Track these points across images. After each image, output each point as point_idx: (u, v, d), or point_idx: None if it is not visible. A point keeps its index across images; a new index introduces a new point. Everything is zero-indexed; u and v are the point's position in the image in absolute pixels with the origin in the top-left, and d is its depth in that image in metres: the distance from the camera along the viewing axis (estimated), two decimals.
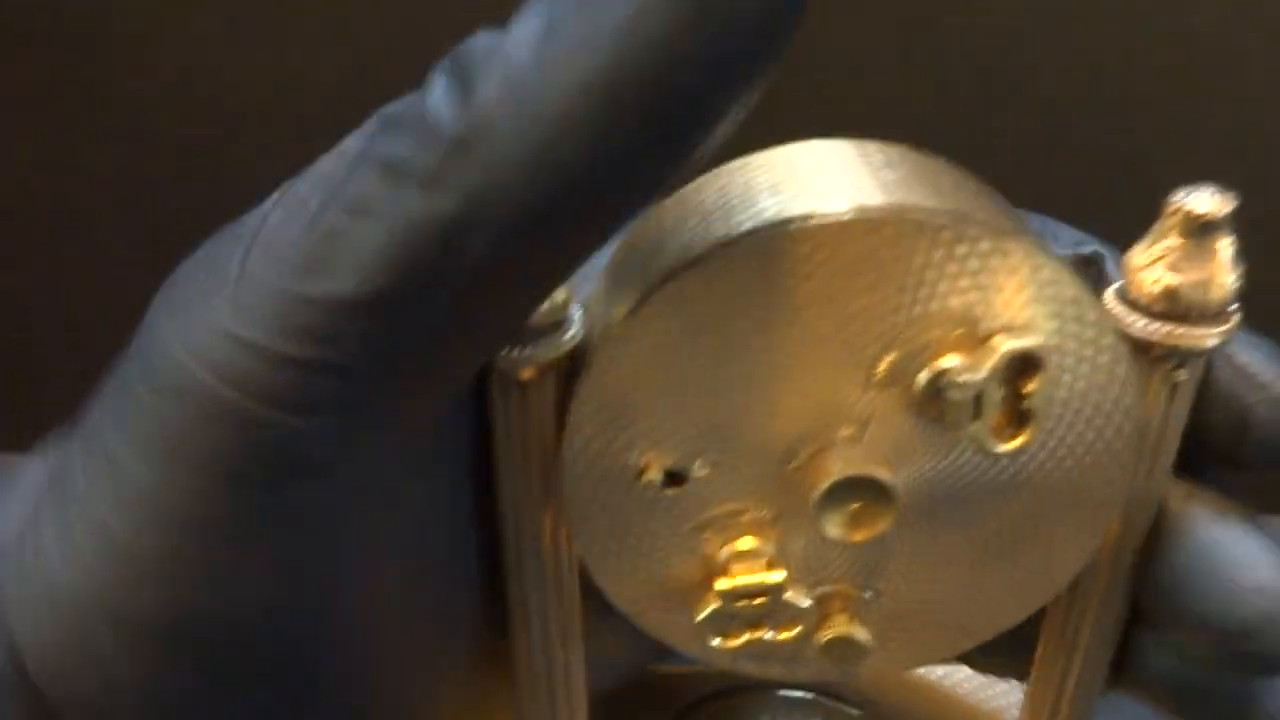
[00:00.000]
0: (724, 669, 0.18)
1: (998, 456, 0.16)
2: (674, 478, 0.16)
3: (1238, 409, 0.16)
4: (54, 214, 0.50)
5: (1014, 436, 0.15)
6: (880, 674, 0.24)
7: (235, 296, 0.14)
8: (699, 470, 0.16)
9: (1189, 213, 0.15)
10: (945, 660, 0.19)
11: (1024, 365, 0.15)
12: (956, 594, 0.17)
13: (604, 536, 0.17)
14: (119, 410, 0.15)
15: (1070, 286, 0.15)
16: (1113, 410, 0.16)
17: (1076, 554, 0.17)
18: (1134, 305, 0.15)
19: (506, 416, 0.16)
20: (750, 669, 0.18)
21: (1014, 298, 0.15)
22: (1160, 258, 0.15)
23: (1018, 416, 0.15)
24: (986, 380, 0.15)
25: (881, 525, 0.16)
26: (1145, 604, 0.18)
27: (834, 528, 0.16)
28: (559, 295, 0.15)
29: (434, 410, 0.15)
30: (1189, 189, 0.15)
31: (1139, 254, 0.15)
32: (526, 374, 0.15)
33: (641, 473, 0.16)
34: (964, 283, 0.15)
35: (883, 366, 0.15)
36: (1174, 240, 0.15)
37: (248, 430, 0.14)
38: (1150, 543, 0.17)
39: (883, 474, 0.16)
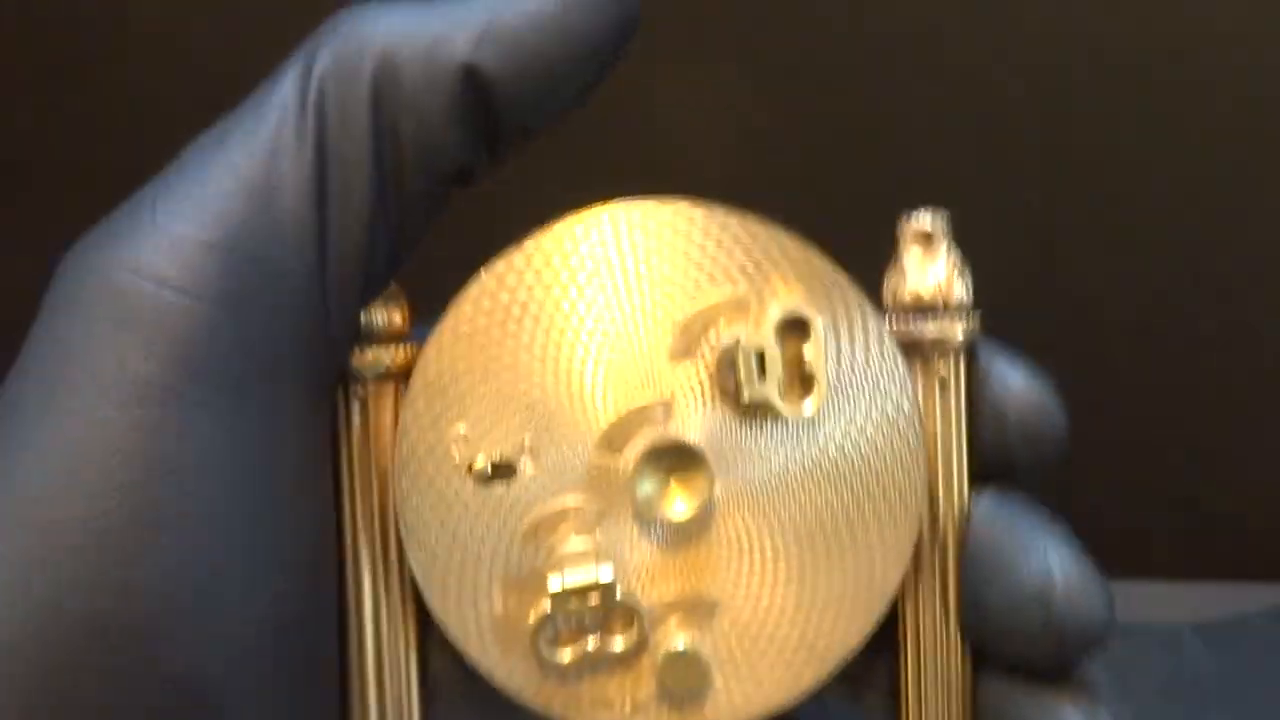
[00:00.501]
0: (556, 713, 0.18)
1: (792, 425, 0.17)
2: (502, 471, 0.17)
3: (999, 413, 0.18)
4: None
5: (800, 398, 0.17)
6: None
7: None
8: (525, 465, 0.17)
9: (915, 227, 0.18)
10: (796, 699, 0.18)
11: (797, 329, 0.17)
12: (790, 603, 0.18)
13: (435, 544, 0.17)
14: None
15: (830, 272, 0.17)
16: (893, 394, 0.18)
17: (895, 559, 0.18)
18: (897, 310, 0.18)
19: (349, 429, 0.17)
20: (585, 708, 0.18)
21: (785, 278, 0.17)
22: (903, 268, 0.18)
23: (801, 380, 0.17)
24: (765, 338, 0.17)
25: (699, 499, 0.17)
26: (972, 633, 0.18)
27: (651, 506, 0.17)
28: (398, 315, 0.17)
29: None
30: (914, 211, 0.18)
31: (891, 269, 0.18)
32: (369, 379, 0.17)
33: (470, 466, 0.17)
34: (743, 262, 0.17)
35: (676, 341, 0.17)
36: (912, 251, 0.18)
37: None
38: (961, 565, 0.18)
39: (690, 438, 0.17)
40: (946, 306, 0.18)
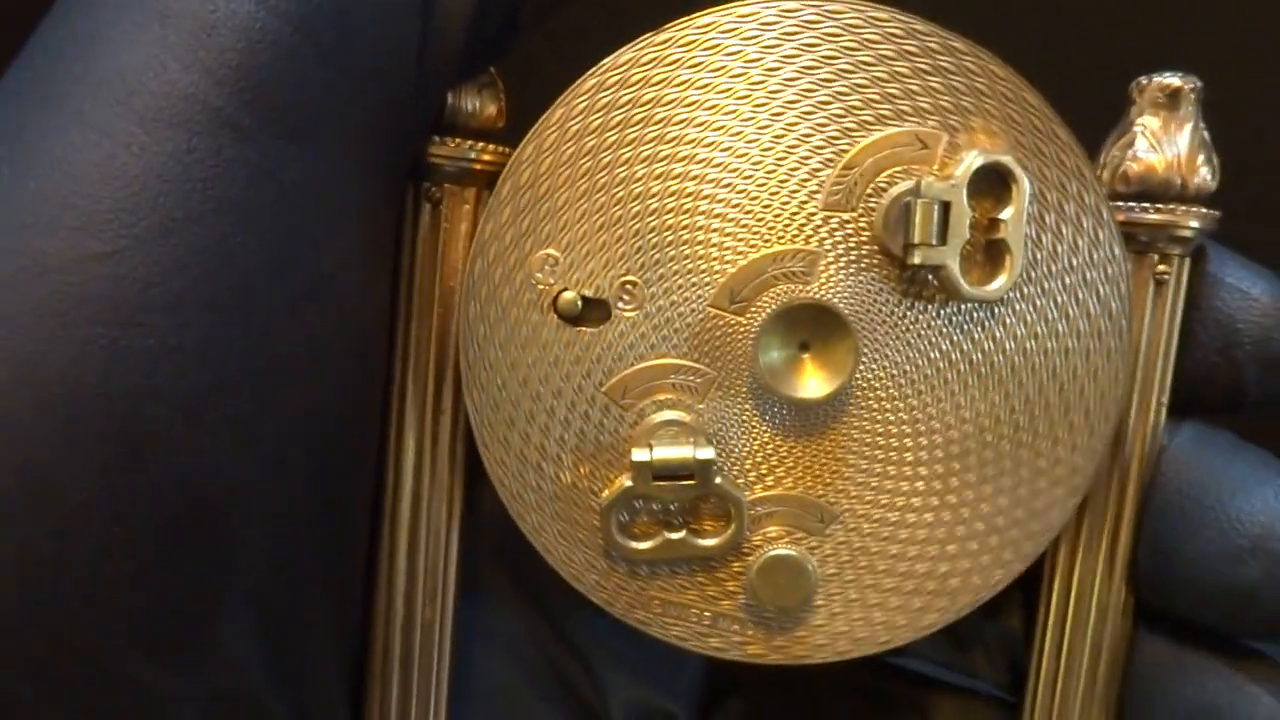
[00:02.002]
0: (619, 611, 0.14)
1: (967, 306, 0.14)
2: (593, 309, 0.14)
3: (1229, 329, 0.14)
4: None
5: (987, 274, 0.13)
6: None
7: None
8: (624, 306, 0.13)
9: (1161, 85, 0.14)
10: (909, 640, 0.15)
11: (996, 187, 0.13)
12: (926, 524, 0.14)
13: (500, 389, 0.14)
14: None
15: (1049, 122, 0.14)
16: (1099, 291, 0.14)
17: (1069, 489, 0.14)
18: (1114, 192, 0.14)
19: (415, 231, 0.14)
20: (655, 611, 0.14)
21: (989, 120, 0.13)
22: (1135, 137, 0.14)
23: (990, 252, 0.13)
24: (954, 190, 0.13)
25: (837, 379, 0.14)
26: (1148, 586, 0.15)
27: (778, 379, 0.14)
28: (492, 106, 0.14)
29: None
30: (1158, 73, 0.14)
31: (1114, 140, 0.15)
32: (447, 175, 0.14)
33: (556, 298, 0.13)
34: (935, 83, 0.13)
35: (836, 182, 0.13)
36: (1147, 119, 0.14)
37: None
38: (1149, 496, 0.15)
39: (836, 302, 0.13)
40: (1184, 191, 0.14)
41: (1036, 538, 0.15)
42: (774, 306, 0.14)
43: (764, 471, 0.14)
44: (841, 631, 0.15)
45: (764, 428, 0.14)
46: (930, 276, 0.13)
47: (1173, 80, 0.15)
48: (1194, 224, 0.14)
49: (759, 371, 0.14)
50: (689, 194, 0.13)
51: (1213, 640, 0.14)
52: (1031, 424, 0.14)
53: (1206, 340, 0.15)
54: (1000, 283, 0.14)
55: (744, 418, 0.14)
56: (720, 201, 0.14)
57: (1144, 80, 0.15)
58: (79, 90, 0.12)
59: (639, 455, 0.13)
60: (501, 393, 0.14)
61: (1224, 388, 0.15)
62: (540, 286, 0.14)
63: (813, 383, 0.14)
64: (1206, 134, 0.15)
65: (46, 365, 0.12)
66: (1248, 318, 0.14)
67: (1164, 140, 0.14)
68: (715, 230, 0.14)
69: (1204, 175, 0.14)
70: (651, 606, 0.14)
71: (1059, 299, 0.14)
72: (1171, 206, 0.14)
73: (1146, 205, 0.14)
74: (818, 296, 0.14)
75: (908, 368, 0.14)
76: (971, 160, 0.13)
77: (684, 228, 0.14)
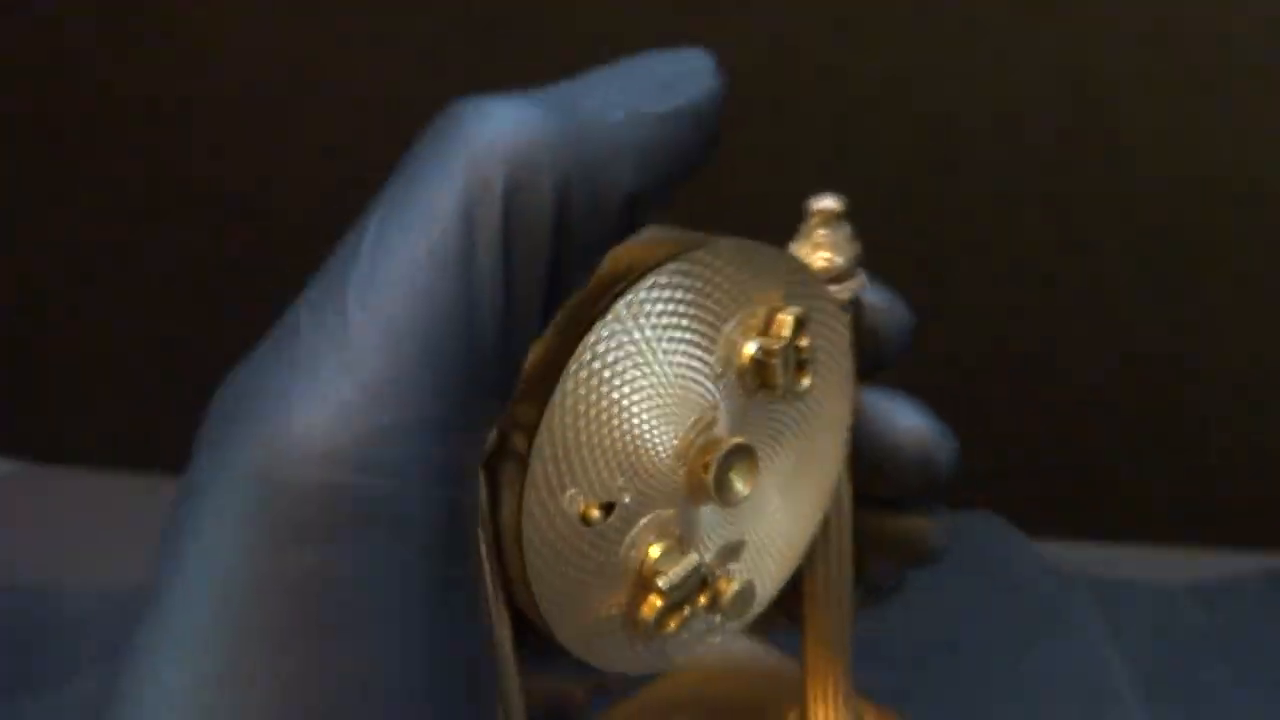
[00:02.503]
0: (656, 669, 0.22)
1: (799, 398, 0.21)
2: (606, 510, 0.19)
3: (872, 329, 0.23)
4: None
5: (804, 378, 0.21)
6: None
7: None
8: (624, 498, 0.19)
9: (827, 210, 0.22)
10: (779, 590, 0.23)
11: (799, 327, 0.20)
12: (782, 518, 0.22)
13: (560, 589, 0.19)
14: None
15: (803, 271, 0.21)
16: (843, 347, 0.22)
17: (834, 462, 0.23)
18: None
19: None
20: (678, 658, 0.22)
21: (776, 290, 0.21)
22: (819, 244, 0.22)
23: (800, 365, 0.21)
24: (786, 342, 0.20)
25: (753, 479, 0.21)
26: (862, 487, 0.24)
27: (734, 491, 0.20)
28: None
29: None
30: (818, 196, 0.22)
31: (802, 248, 0.22)
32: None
33: (584, 517, 0.19)
34: (750, 289, 0.20)
35: (717, 362, 0.20)
36: (821, 232, 0.22)
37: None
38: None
39: (745, 439, 0.20)
40: (850, 271, 0.23)
41: (829, 494, 0.23)
42: (720, 456, 0.20)
43: (713, 543, 0.21)
44: (768, 593, 0.23)
45: (705, 522, 0.21)
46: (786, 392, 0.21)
47: (836, 204, 0.22)
48: (859, 290, 0.23)
49: (724, 493, 0.20)
50: (648, 419, 0.19)
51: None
52: (826, 434, 0.23)
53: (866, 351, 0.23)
54: (810, 380, 0.21)
55: (695, 523, 0.21)
56: (660, 414, 0.19)
57: (817, 204, 0.22)
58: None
59: (664, 582, 0.20)
60: (561, 591, 0.19)
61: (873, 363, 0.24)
62: (575, 514, 0.19)
63: (743, 487, 0.21)
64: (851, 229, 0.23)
65: None
66: (880, 323, 0.23)
67: (834, 242, 0.22)
68: (664, 429, 0.20)
69: (854, 255, 0.23)
70: (668, 656, 0.21)
71: (825, 361, 0.22)
72: (844, 284, 0.23)
73: (833, 284, 0.22)
74: (740, 440, 0.20)
75: (769, 442, 0.21)
76: (788, 320, 0.20)
77: (648, 438, 0.19)
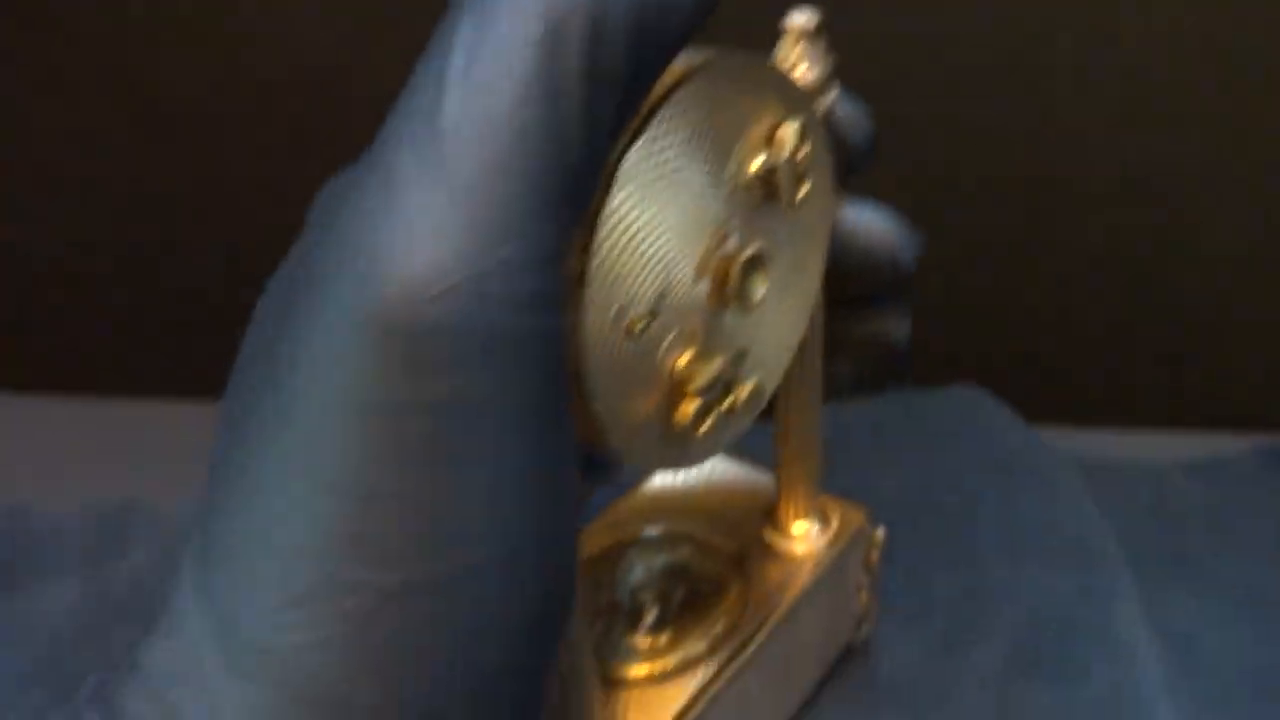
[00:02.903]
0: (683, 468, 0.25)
1: (795, 208, 0.23)
2: (647, 323, 0.21)
3: (843, 139, 0.25)
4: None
5: (802, 187, 0.23)
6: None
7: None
8: (661, 306, 0.21)
9: (803, 25, 0.24)
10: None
11: (800, 139, 0.22)
12: (777, 324, 0.24)
13: (610, 399, 0.20)
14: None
15: (793, 85, 0.23)
16: (824, 156, 0.24)
17: (819, 266, 0.25)
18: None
19: None
20: (709, 452, 0.24)
21: (776, 104, 0.22)
22: (798, 59, 0.24)
23: (799, 175, 0.23)
24: (790, 154, 0.22)
25: (764, 285, 0.23)
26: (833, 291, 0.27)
27: (753, 295, 0.23)
28: None
29: None
30: (793, 12, 0.24)
31: (783, 63, 0.24)
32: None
33: (629, 331, 0.20)
34: (754, 106, 0.22)
35: (728, 178, 0.21)
36: (799, 47, 0.24)
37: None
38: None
39: (760, 247, 0.22)
40: (826, 84, 0.25)
41: (810, 302, 0.26)
42: (738, 259, 0.22)
43: (729, 348, 0.23)
44: (768, 388, 0.25)
45: (727, 328, 0.23)
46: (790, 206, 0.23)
47: (811, 19, 0.24)
48: (833, 97, 0.25)
49: (736, 301, 0.22)
50: (677, 232, 0.21)
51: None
52: (812, 247, 0.25)
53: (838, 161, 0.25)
54: (808, 188, 0.23)
55: (717, 329, 0.23)
56: (685, 228, 0.21)
57: (792, 21, 0.24)
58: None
59: (696, 384, 0.22)
60: (611, 394, 0.20)
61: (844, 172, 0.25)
62: (624, 324, 0.20)
63: (760, 290, 0.23)
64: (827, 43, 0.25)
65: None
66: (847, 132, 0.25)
67: (812, 56, 0.24)
68: (688, 241, 0.21)
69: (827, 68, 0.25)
70: (695, 454, 0.24)
71: (817, 169, 0.23)
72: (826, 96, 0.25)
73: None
74: (756, 249, 0.22)
75: (771, 251, 0.23)
76: (787, 134, 0.22)
77: (679, 250, 0.21)
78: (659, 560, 0.31)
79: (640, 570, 0.30)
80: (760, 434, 0.31)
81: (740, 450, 0.34)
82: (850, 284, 0.27)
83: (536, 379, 0.16)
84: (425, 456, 0.15)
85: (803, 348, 0.27)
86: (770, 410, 0.29)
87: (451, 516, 0.16)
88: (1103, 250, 0.48)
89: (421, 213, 0.15)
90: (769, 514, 0.32)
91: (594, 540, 0.31)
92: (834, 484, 0.32)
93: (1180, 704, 0.32)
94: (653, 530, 0.32)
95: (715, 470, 0.35)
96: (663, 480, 0.34)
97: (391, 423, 0.15)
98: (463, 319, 0.15)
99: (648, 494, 0.34)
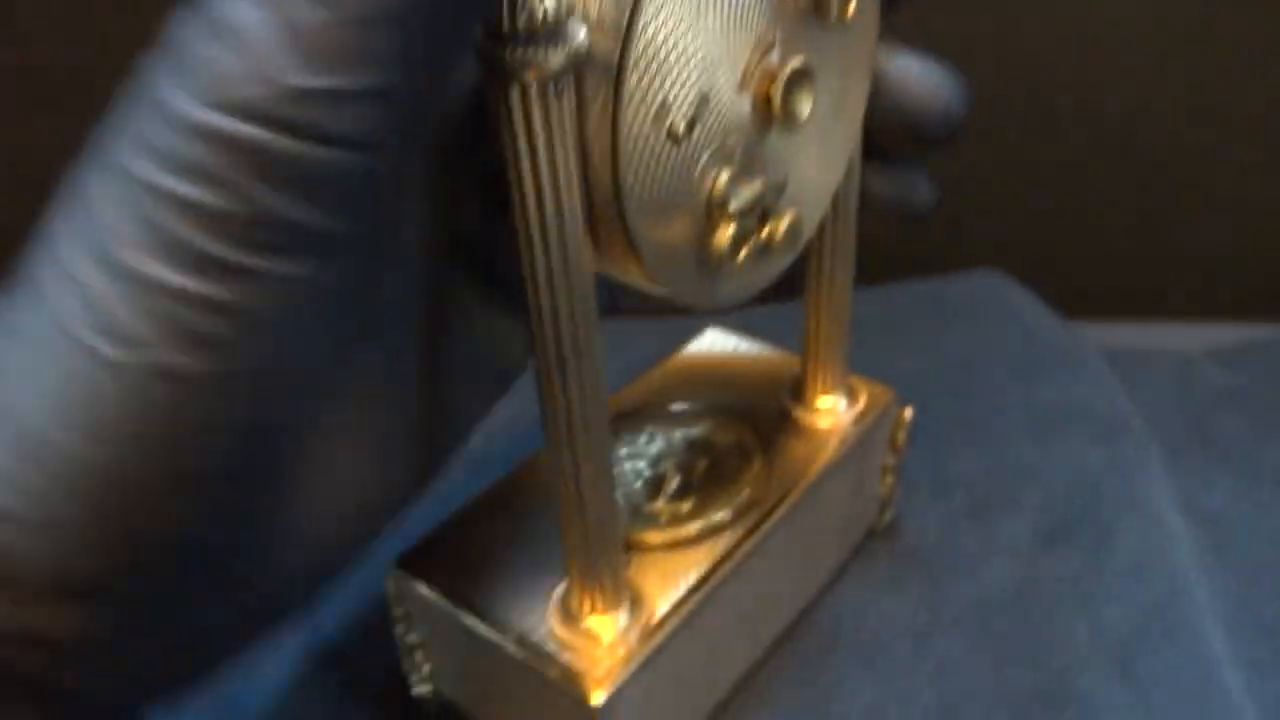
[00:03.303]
0: (715, 306, 0.23)
1: (843, 28, 0.22)
2: (689, 128, 0.19)
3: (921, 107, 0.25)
4: None
5: (850, 4, 0.22)
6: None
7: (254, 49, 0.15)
8: (702, 114, 0.20)
9: None
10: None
11: None
12: (817, 157, 0.23)
13: (651, 207, 0.19)
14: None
15: None
16: None
17: (861, 104, 0.24)
18: None
19: (529, 126, 0.18)
20: (736, 295, 0.23)
21: None
22: None
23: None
24: None
25: (809, 103, 0.22)
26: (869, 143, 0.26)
27: (797, 111, 0.21)
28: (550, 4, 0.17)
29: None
30: None
31: None
32: (544, 76, 0.17)
33: (671, 133, 0.19)
34: None
35: None
36: None
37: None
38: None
39: (805, 62, 0.21)
40: None
41: (850, 146, 0.25)
42: (787, 75, 0.21)
43: (771, 175, 0.22)
44: (810, 227, 0.24)
45: (768, 153, 0.22)
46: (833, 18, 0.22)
47: None
48: None
49: (779, 116, 0.21)
50: (716, 38, 0.20)
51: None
52: (856, 79, 0.24)
53: None
54: (854, 6, 0.22)
55: (758, 153, 0.21)
56: (726, 37, 0.20)
57: None
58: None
59: (733, 205, 0.21)
60: (653, 207, 0.20)
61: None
62: (664, 130, 0.19)
63: (806, 107, 0.21)
64: None
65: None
66: None
67: None
68: (730, 51, 0.20)
69: None
70: (735, 289, 0.23)
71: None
72: None
73: None
74: (798, 63, 0.21)
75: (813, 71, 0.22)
76: None
77: (719, 57, 0.20)
78: (682, 432, 0.30)
79: (662, 441, 0.30)
80: (784, 320, 0.30)
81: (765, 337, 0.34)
82: (895, 135, 0.26)
83: (330, 212, 0.16)
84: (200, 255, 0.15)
85: (837, 205, 0.26)
86: (797, 289, 0.28)
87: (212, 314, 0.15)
88: (1128, 139, 0.47)
89: (245, 28, 0.15)
90: (795, 390, 0.31)
91: (616, 412, 0.31)
92: (856, 367, 0.31)
93: (1212, 577, 0.31)
94: (677, 405, 0.31)
95: (740, 349, 0.34)
96: (686, 358, 0.34)
97: (177, 219, 0.15)
98: (255, 137, 0.15)
99: (671, 370, 0.33)
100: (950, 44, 0.45)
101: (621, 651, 0.24)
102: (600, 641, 0.24)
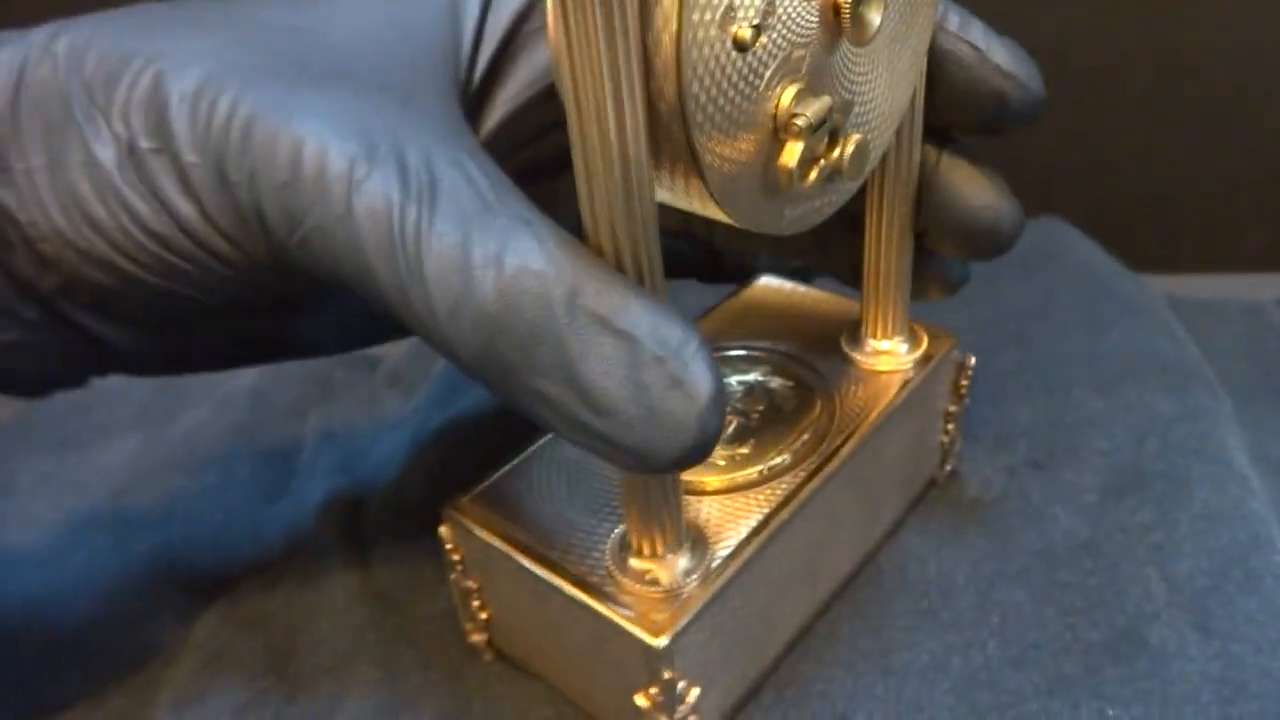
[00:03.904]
0: (780, 229, 0.22)
1: None
2: (755, 34, 0.18)
3: (993, 91, 0.24)
4: None
5: None
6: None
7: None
8: (770, 21, 0.19)
9: None
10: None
11: None
12: (884, 80, 0.23)
13: (716, 121, 0.19)
14: None
15: None
16: None
17: (928, 32, 0.23)
18: None
19: (588, 33, 0.17)
20: (810, 216, 0.22)
21: None
22: None
23: None
24: None
25: (879, 13, 0.21)
26: (920, 226, 0.27)
27: (867, 22, 0.21)
28: None
29: None
30: None
31: None
32: None
33: (738, 41, 0.18)
34: None
35: None
36: None
37: None
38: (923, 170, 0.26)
39: None
40: None
41: (916, 78, 0.24)
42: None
43: (838, 94, 0.21)
44: (879, 152, 0.24)
45: (838, 71, 0.21)
46: None
47: None
48: None
49: (857, 26, 0.20)
50: None
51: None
52: (920, 15, 0.23)
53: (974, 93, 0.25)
54: None
55: (827, 70, 0.21)
56: None
57: None
58: None
59: (799, 121, 0.20)
60: (716, 118, 0.19)
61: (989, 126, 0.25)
62: (728, 37, 0.18)
63: (876, 17, 0.21)
64: None
65: None
66: (1009, 85, 0.24)
67: None
68: None
69: None
70: (809, 215, 0.22)
71: None
72: None
73: None
74: None
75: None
76: None
77: None
78: (739, 376, 0.29)
79: None
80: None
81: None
82: (943, 239, 0.26)
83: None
84: None
85: (901, 135, 0.25)
86: (858, 234, 0.28)
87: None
88: (1197, 86, 0.45)
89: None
90: (854, 333, 0.30)
91: None
92: (916, 317, 0.30)
93: None
94: (733, 349, 0.31)
95: (797, 292, 0.33)
96: (740, 303, 0.33)
97: None
98: None
99: (725, 315, 0.32)
100: None
101: (684, 595, 0.23)
102: (661, 583, 0.23)
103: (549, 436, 0.28)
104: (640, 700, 0.23)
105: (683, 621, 0.22)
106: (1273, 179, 0.47)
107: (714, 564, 0.24)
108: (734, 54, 0.18)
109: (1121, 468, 0.31)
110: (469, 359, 0.18)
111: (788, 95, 0.20)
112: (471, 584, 0.27)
